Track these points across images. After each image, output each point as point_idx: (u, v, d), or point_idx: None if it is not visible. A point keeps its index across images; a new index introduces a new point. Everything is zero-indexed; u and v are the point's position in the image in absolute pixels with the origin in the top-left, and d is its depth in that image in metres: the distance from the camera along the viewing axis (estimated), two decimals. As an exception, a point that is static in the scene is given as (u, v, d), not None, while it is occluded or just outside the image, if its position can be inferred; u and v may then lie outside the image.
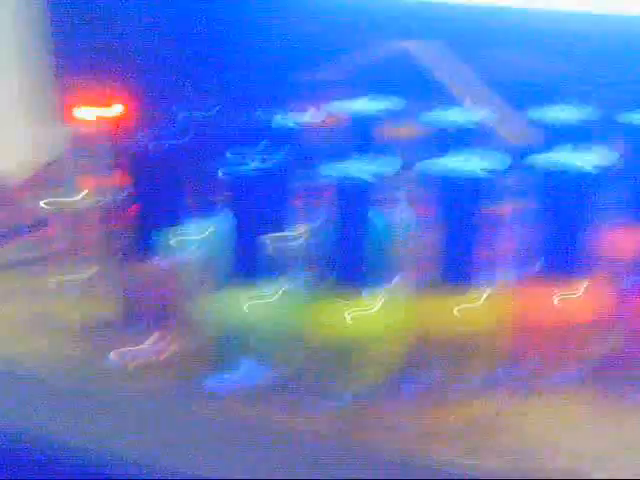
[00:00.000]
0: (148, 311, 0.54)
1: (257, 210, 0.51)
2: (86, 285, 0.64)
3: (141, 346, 0.55)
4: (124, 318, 0.56)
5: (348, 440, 0.50)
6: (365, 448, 0.49)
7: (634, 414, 0.51)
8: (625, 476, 0.46)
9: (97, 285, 0.60)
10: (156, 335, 0.55)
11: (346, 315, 0.51)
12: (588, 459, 0.48)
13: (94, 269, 0.62)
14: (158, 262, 0.54)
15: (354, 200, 0.50)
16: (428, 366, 0.52)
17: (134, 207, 0.55)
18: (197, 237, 0.58)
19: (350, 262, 0.51)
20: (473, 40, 0.70)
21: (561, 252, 0.52)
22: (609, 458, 0.48)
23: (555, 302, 0.52)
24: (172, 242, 0.55)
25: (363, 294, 0.51)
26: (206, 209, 0.58)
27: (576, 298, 0.52)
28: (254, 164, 0.50)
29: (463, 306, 0.51)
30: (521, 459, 0.48)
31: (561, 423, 0.51)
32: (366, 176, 0.49)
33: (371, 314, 0.51)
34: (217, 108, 0.58)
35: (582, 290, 0.52)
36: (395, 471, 0.48)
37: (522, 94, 0.65)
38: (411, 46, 0.69)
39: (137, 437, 0.54)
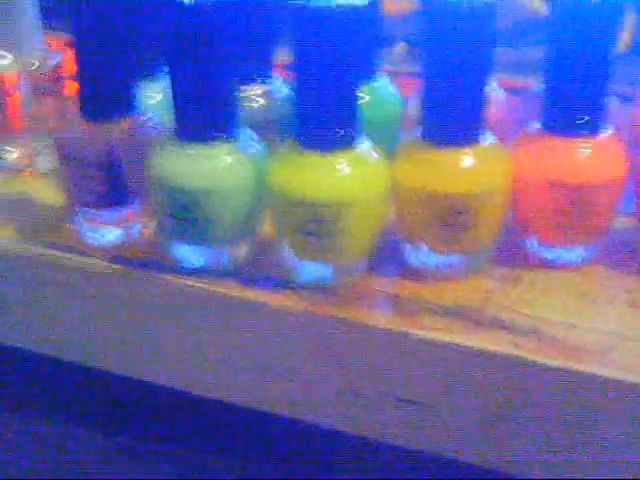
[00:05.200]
0: (110, 181, 0.51)
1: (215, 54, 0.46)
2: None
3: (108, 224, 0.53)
4: (84, 193, 0.52)
5: (332, 317, 0.47)
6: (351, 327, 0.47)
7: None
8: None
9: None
10: (121, 209, 0.52)
11: (318, 174, 0.46)
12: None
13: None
14: (116, 124, 0.51)
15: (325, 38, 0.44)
16: (418, 235, 0.49)
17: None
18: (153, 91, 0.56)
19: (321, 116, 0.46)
20: None
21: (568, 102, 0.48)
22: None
23: (562, 160, 0.48)
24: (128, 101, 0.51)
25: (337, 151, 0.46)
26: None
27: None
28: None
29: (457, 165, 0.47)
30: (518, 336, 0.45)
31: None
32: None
33: (348, 174, 0.46)
34: None
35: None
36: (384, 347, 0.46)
37: None
38: None
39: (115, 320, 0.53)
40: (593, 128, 0.48)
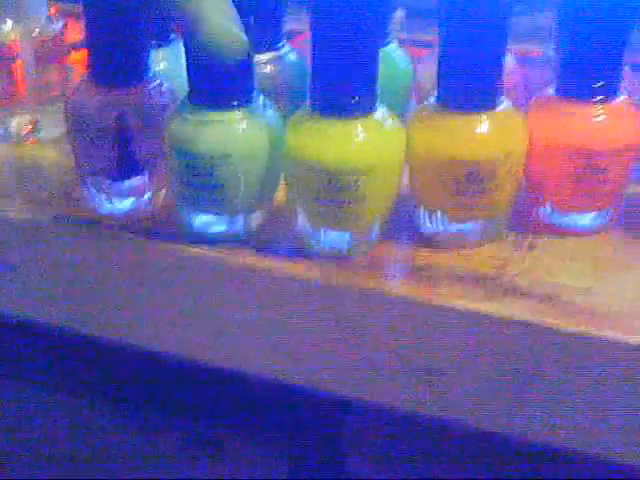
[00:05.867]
0: (122, 149, 0.51)
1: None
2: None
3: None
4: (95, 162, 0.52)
5: (349, 286, 0.47)
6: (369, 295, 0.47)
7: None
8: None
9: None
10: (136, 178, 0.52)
11: (336, 141, 0.46)
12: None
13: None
14: (127, 91, 0.50)
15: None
16: (433, 202, 0.49)
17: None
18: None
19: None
20: None
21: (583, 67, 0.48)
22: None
23: (577, 125, 0.48)
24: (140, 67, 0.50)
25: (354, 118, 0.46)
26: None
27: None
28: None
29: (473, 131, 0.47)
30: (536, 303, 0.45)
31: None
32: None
33: (366, 141, 0.46)
34: None
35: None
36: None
37: None
38: None
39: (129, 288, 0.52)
40: (608, 93, 0.48)
